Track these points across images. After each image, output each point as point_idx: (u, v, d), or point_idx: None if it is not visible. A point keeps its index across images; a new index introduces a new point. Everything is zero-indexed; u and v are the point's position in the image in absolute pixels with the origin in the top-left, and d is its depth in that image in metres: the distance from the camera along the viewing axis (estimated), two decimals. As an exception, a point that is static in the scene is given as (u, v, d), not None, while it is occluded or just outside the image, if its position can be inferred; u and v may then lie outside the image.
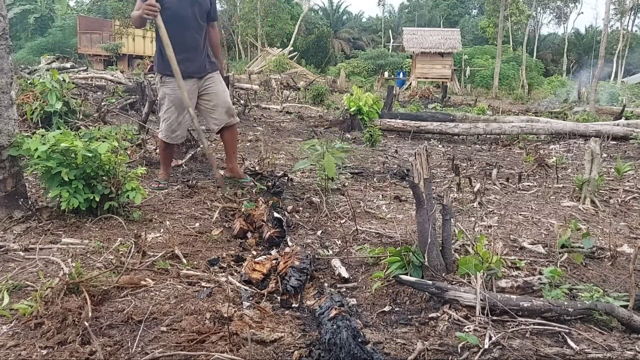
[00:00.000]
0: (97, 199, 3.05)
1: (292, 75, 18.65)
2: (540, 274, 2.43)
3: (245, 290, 2.35)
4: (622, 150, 7.56)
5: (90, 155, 3.00)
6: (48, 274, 2.31)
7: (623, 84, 27.71)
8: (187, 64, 3.80)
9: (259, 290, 2.36)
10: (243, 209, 3.41)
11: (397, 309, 2.17)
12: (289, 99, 13.24)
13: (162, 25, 3.57)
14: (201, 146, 3.61)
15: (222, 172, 4.02)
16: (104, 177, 3.12)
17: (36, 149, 2.88)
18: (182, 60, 3.73)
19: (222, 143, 6.44)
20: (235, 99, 9.72)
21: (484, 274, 2.17)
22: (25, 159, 3.06)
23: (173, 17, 3.70)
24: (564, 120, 11.34)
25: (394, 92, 10.94)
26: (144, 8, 3.52)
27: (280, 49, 27.47)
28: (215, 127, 4.05)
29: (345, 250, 2.87)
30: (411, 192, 2.77)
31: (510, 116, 10.90)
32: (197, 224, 3.24)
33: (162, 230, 3.09)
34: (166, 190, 3.96)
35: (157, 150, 4.77)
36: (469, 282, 2.19)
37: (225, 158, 4.37)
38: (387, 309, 2.17)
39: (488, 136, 8.48)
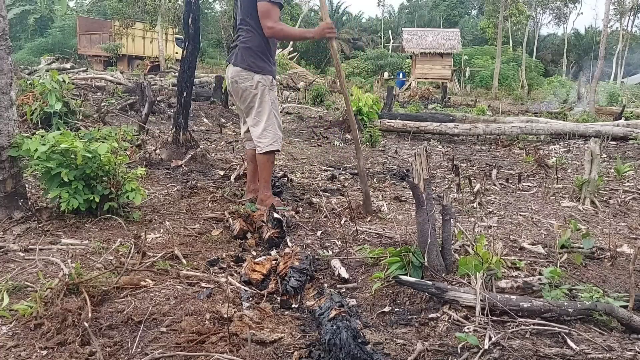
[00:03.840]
0: (97, 200, 3.05)
1: (291, 75, 18.66)
2: (540, 274, 2.42)
3: (245, 290, 2.35)
4: (622, 151, 7.56)
5: (90, 156, 3.00)
6: (48, 275, 2.30)
7: (623, 85, 27.74)
8: (274, 70, 3.79)
9: (258, 291, 2.36)
10: (243, 210, 3.42)
11: (397, 309, 2.17)
12: (289, 99, 13.25)
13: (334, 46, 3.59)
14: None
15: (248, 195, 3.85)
16: (103, 178, 3.12)
17: (36, 150, 2.88)
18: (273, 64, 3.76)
19: (221, 144, 6.36)
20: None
21: (483, 275, 2.17)
22: (25, 159, 3.06)
23: None
24: (564, 120, 11.35)
25: (394, 92, 10.95)
26: (328, 29, 3.44)
27: (280, 50, 27.48)
28: None
29: (345, 250, 2.87)
30: (411, 193, 2.77)
31: (510, 117, 10.91)
32: (197, 225, 3.24)
33: (162, 230, 3.09)
34: (166, 191, 3.96)
35: (261, 167, 3.79)
36: (469, 283, 2.19)
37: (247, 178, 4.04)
38: (387, 309, 2.17)
39: (488, 136, 8.49)
